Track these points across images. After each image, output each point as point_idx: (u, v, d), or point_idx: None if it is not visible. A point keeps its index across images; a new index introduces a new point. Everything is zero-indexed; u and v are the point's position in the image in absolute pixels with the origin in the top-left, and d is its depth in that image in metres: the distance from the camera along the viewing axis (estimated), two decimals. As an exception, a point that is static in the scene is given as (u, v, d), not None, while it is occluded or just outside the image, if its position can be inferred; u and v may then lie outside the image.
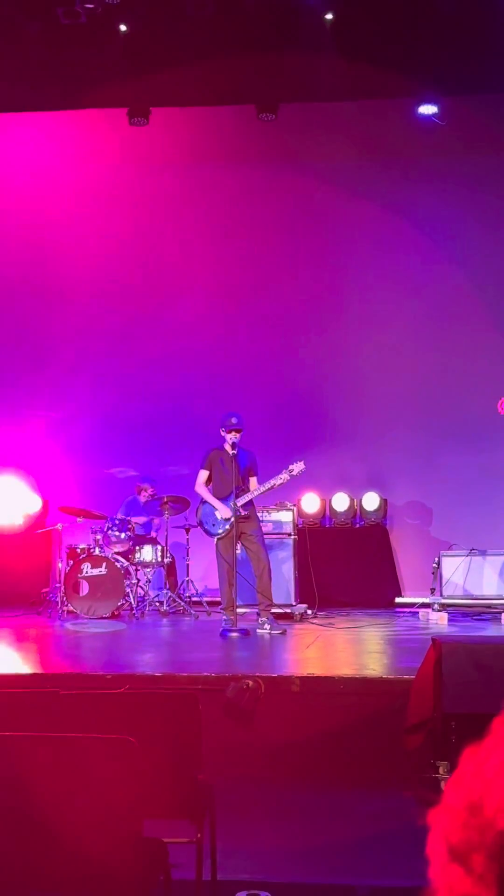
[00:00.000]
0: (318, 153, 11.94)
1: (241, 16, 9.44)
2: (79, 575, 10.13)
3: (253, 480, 9.30)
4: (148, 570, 10.77)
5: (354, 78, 9.66)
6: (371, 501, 11.43)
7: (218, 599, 9.59)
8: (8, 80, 10.04)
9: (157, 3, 9.50)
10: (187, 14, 9.39)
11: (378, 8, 9.27)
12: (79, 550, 10.34)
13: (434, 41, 9.42)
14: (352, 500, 11.52)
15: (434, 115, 10.86)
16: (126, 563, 10.34)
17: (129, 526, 10.60)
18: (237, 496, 9.07)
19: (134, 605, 10.27)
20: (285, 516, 10.50)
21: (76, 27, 9.49)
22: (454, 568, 10.19)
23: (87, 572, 10.14)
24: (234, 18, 9.46)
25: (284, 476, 9.22)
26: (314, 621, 9.88)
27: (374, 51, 9.50)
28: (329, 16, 9.38)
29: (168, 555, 10.65)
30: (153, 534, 11.10)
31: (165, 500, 10.47)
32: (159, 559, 10.56)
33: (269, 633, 8.88)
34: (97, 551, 10.24)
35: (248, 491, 9.21)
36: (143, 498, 11.15)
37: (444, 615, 9.77)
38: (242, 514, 9.10)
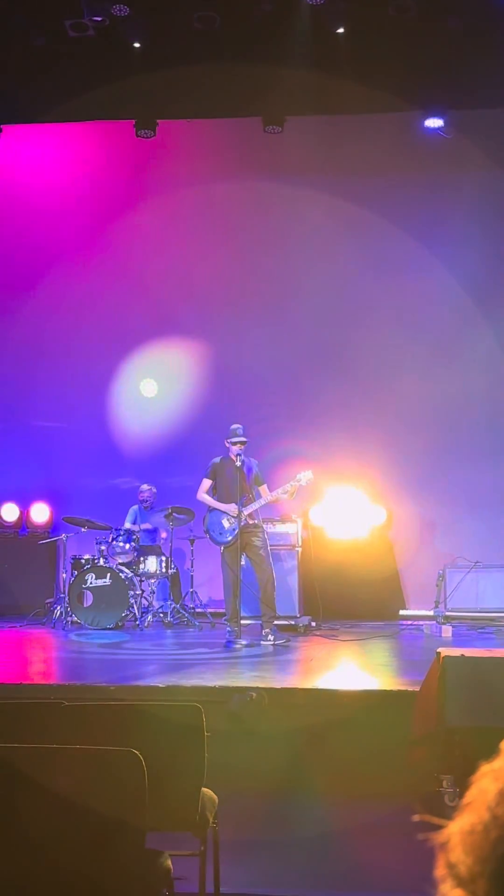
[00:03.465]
0: (323, 166, 11.96)
1: (248, 29, 9.47)
2: (83, 585, 10.13)
3: (263, 487, 9.32)
4: (152, 580, 10.75)
5: (361, 91, 9.68)
6: (376, 514, 11.40)
7: (222, 611, 9.59)
8: (15, 91, 10.08)
9: (165, 16, 9.54)
10: (195, 27, 9.43)
11: (385, 22, 9.30)
12: (83, 561, 10.34)
13: (441, 55, 9.45)
14: (356, 513, 11.49)
15: (440, 128, 10.88)
16: (130, 574, 10.34)
17: (134, 536, 10.60)
18: (243, 506, 9.09)
19: (138, 616, 10.25)
20: (290, 528, 10.50)
21: (84, 40, 9.54)
22: (459, 581, 10.17)
23: (91, 583, 10.13)
24: (242, 31, 9.49)
25: (292, 486, 9.22)
26: (318, 633, 9.87)
27: (382, 64, 9.53)
28: (340, 30, 9.40)
29: (172, 566, 10.64)
30: (159, 542, 11.07)
31: (170, 510, 10.46)
32: (163, 570, 10.55)
33: (273, 645, 8.87)
34: (101, 562, 10.24)
35: (254, 500, 9.23)
36: (143, 505, 11.14)
37: (449, 628, 9.74)
38: (249, 522, 9.12)
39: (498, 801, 0.94)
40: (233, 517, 9.14)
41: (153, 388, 12.21)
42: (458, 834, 0.95)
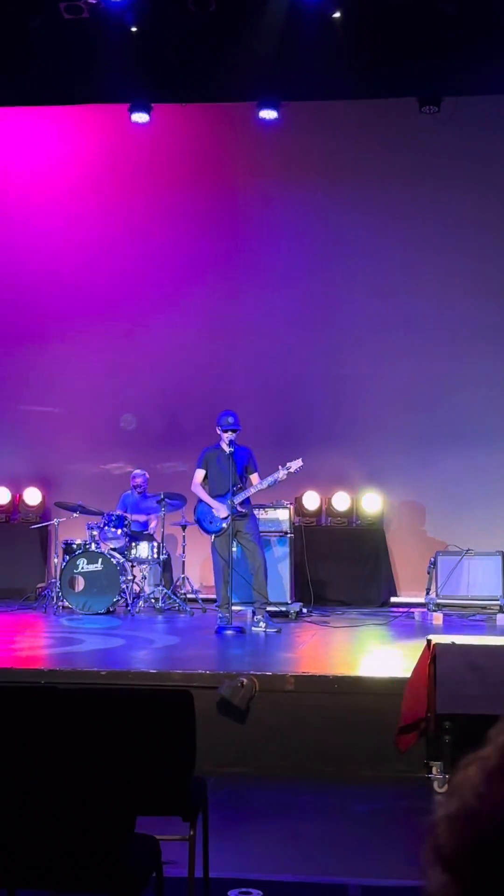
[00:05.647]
0: (318, 152, 11.93)
1: (243, 12, 9.42)
2: (74, 570, 10.12)
3: (254, 476, 9.28)
4: (144, 566, 10.75)
5: (358, 77, 9.64)
6: (369, 501, 11.43)
7: (213, 597, 9.59)
8: (9, 74, 10.01)
9: (160, -1, 9.49)
10: (190, 10, 9.37)
11: (382, 6, 9.25)
12: (75, 546, 10.33)
13: (437, 41, 9.40)
14: (352, 499, 11.52)
15: (436, 114, 10.85)
16: (122, 560, 10.33)
17: (126, 522, 10.59)
18: (234, 494, 9.06)
19: (129, 602, 10.25)
20: (282, 514, 10.48)
21: (78, 22, 9.48)
22: (450, 568, 10.19)
23: (82, 568, 10.13)
24: (237, 15, 9.43)
25: (282, 473, 9.18)
26: (309, 620, 9.88)
27: (378, 49, 9.48)
28: (337, 14, 9.35)
29: (164, 551, 10.64)
30: (150, 529, 11.07)
31: (163, 496, 10.45)
32: (155, 556, 10.55)
33: (265, 631, 8.88)
34: (93, 547, 10.23)
35: (246, 489, 9.20)
36: (136, 491, 11.12)
37: (440, 615, 9.76)
38: (240, 511, 9.09)
39: (485, 784, 0.94)
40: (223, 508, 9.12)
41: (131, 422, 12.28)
42: (444, 819, 0.95)
